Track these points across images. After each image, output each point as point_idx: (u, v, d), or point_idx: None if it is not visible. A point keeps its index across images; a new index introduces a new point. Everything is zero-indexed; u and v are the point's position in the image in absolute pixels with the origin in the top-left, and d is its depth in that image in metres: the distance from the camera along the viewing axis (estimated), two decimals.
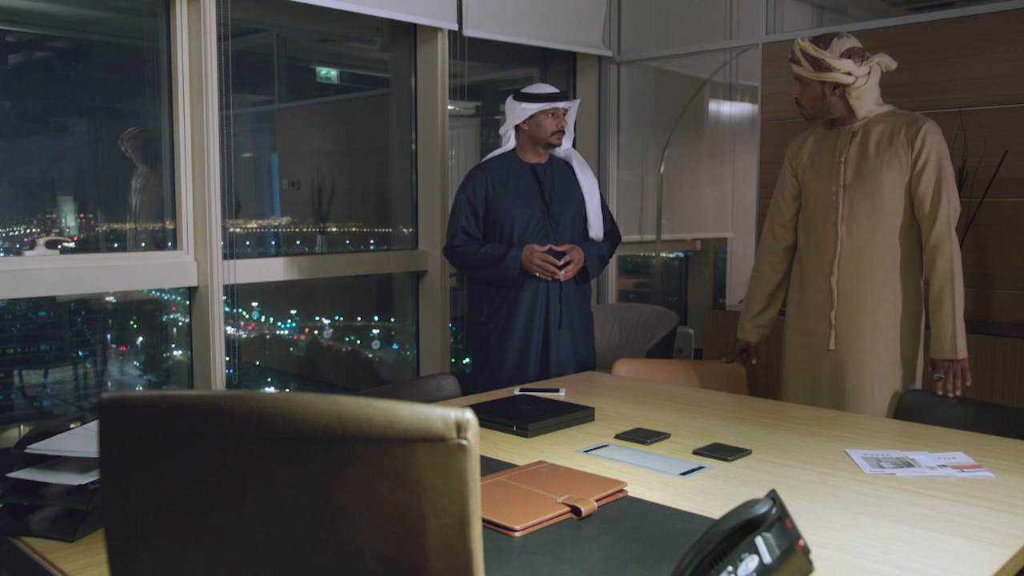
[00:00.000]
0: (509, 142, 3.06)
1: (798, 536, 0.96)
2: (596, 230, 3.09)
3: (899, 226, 2.49)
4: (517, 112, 2.98)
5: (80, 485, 1.34)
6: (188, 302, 3.20)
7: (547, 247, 2.94)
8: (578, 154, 3.16)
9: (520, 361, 2.98)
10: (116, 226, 3.22)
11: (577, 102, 3.07)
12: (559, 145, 3.01)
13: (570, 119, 3.06)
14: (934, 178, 2.42)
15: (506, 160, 3.04)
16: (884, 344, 2.52)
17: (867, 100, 2.48)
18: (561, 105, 2.95)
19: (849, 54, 2.43)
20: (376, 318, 4.24)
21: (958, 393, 2.40)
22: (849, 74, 2.42)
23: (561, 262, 2.94)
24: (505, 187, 2.99)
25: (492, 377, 2.98)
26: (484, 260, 2.94)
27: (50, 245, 2.99)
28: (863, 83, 2.44)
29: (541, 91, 2.96)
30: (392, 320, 4.18)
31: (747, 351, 2.84)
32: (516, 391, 2.48)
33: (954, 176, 2.45)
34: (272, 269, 3.40)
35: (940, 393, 2.43)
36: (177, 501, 0.83)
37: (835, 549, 1.31)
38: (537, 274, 2.92)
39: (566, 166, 3.12)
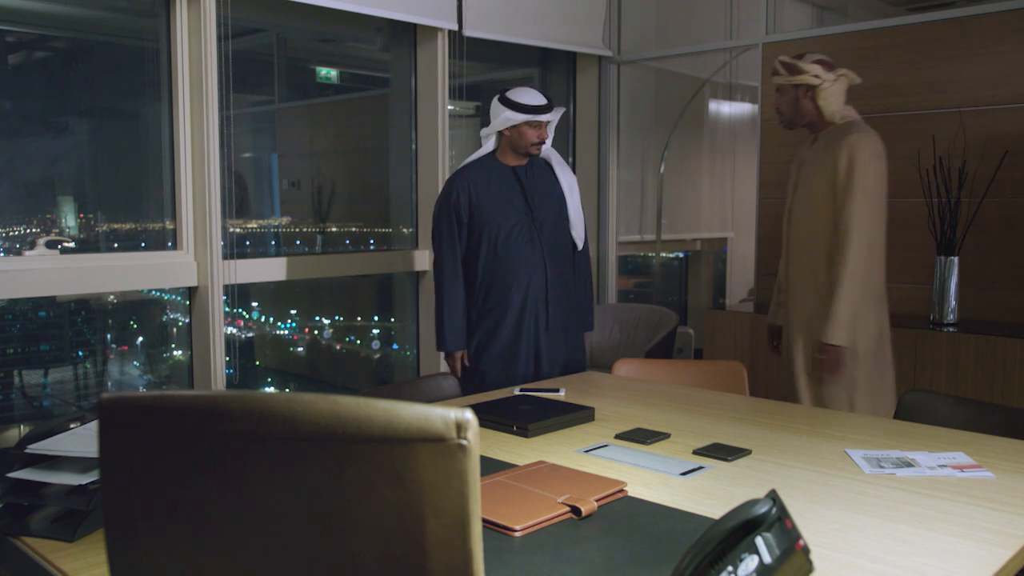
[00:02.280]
0: (489, 144, 3.02)
1: (798, 536, 0.96)
2: (578, 230, 3.08)
3: (832, 228, 2.70)
4: (501, 119, 2.92)
5: (80, 485, 1.34)
6: (188, 302, 3.20)
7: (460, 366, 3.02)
8: (556, 153, 3.13)
9: (510, 362, 2.97)
10: (116, 226, 3.22)
11: (561, 111, 3.03)
12: (537, 154, 3.00)
13: (551, 126, 3.03)
14: (844, 185, 2.65)
15: (486, 164, 3.00)
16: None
17: (833, 102, 2.73)
18: (544, 118, 2.91)
19: (819, 62, 2.74)
20: (376, 318, 4.24)
21: (825, 377, 2.65)
22: (817, 76, 2.72)
23: None
24: (488, 192, 2.95)
25: (483, 378, 2.98)
26: (443, 313, 3.00)
27: (50, 245, 2.99)
28: (829, 86, 2.72)
29: (527, 101, 2.90)
30: (392, 320, 4.18)
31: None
32: (516, 391, 2.48)
33: (871, 190, 2.61)
34: (272, 269, 3.40)
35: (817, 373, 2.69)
36: (177, 501, 0.83)
37: (835, 549, 1.31)
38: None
39: (545, 164, 3.09)
